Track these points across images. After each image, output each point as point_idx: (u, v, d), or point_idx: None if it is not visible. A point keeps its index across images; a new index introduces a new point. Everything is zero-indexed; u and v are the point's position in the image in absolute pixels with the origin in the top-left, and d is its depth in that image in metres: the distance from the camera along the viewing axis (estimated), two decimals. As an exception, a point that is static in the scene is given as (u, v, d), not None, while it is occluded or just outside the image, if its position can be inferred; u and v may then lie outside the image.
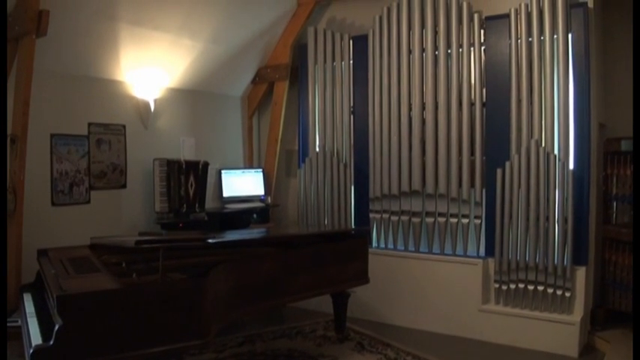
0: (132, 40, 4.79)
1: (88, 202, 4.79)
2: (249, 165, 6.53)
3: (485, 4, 4.97)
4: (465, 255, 5.02)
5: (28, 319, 2.93)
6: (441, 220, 5.10)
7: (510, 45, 4.72)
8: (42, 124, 4.37)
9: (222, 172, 6.02)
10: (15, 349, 3.24)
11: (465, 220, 4.99)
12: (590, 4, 4.52)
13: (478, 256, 4.97)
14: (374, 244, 5.48)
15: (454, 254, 5.06)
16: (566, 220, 4.47)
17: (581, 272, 4.52)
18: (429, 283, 5.15)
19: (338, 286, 4.30)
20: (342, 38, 5.69)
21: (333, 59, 5.73)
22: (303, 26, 5.96)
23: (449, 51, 5.01)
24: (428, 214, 5.18)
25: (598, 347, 4.58)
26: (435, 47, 5.07)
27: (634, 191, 4.42)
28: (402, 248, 5.35)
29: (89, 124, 4.80)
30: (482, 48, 4.91)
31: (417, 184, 5.18)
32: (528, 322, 4.63)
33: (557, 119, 4.52)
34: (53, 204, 4.52)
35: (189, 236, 4.28)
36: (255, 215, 6.02)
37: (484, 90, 4.91)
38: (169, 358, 2.88)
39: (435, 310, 5.11)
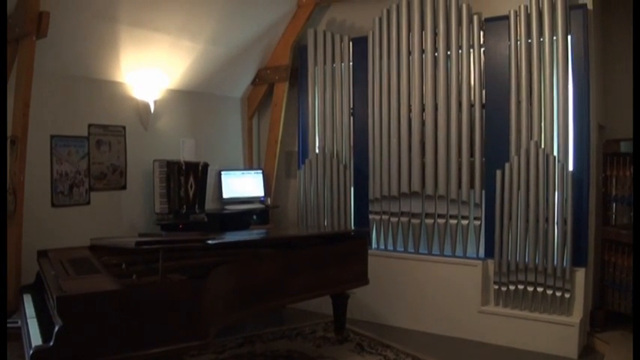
0: (132, 41, 4.79)
1: (88, 203, 4.80)
2: (248, 166, 6.53)
3: (485, 5, 4.98)
4: (465, 256, 5.02)
5: (28, 320, 2.93)
6: (441, 221, 5.10)
7: (510, 47, 4.72)
8: (42, 126, 4.37)
9: (222, 173, 6.03)
10: (15, 350, 3.24)
11: (464, 222, 5.00)
12: (590, 6, 4.52)
13: (478, 258, 4.97)
14: (373, 245, 5.49)
15: (454, 255, 5.06)
16: (565, 222, 4.47)
17: (580, 274, 4.53)
18: (429, 285, 5.15)
19: (338, 287, 4.31)
20: (341, 40, 5.69)
21: (333, 61, 5.74)
22: (303, 28, 5.97)
23: (448, 52, 5.01)
24: (427, 215, 5.18)
25: (597, 348, 4.58)
26: (435, 49, 5.08)
27: (634, 192, 4.43)
28: (402, 249, 5.35)
29: (89, 126, 4.80)
30: (482, 50, 4.92)
31: (416, 186, 5.18)
32: (528, 323, 4.64)
33: (557, 121, 4.52)
34: (53, 205, 4.53)
35: (189, 237, 4.28)
36: (254, 216, 6.02)
37: (483, 91, 4.91)
38: (169, 359, 2.88)
39: (435, 312, 5.11)
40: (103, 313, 2.61)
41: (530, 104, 4.63)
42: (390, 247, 5.43)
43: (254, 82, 6.38)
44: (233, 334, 4.81)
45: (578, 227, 4.49)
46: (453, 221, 5.04)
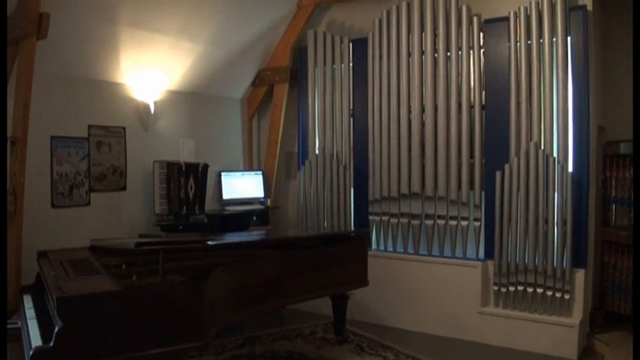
0: (132, 42, 4.80)
1: (88, 204, 4.80)
2: (248, 167, 6.54)
3: (485, 7, 4.98)
4: (465, 257, 5.02)
5: (28, 321, 2.93)
6: (441, 222, 5.10)
7: (510, 48, 4.73)
8: (42, 127, 4.37)
9: (222, 174, 6.03)
10: (15, 351, 3.24)
11: (464, 223, 5.00)
12: (590, 7, 4.53)
13: (477, 259, 4.98)
14: (373, 246, 5.49)
15: (453, 257, 5.07)
16: (565, 223, 4.48)
17: (580, 275, 4.53)
18: (429, 286, 5.15)
19: (337, 288, 4.31)
20: (341, 41, 5.70)
21: (333, 62, 5.74)
22: (303, 29, 5.98)
23: (448, 54, 5.02)
24: (427, 216, 5.18)
25: (597, 350, 4.58)
26: (435, 50, 5.08)
27: (634, 194, 4.44)
28: (402, 251, 5.35)
29: (89, 127, 4.81)
30: (482, 51, 4.92)
31: (416, 187, 5.19)
32: (527, 324, 4.64)
33: (557, 122, 4.53)
34: (53, 206, 4.53)
35: (189, 238, 4.29)
36: (254, 217, 6.02)
37: (483, 93, 4.92)
38: (169, 360, 2.88)
39: (435, 313, 5.11)
40: (103, 314, 2.61)
41: (530, 105, 4.64)
42: (390, 248, 5.43)
43: (254, 84, 6.38)
44: (233, 335, 4.81)
45: (578, 228, 4.50)
46: (453, 222, 5.04)
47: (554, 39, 4.53)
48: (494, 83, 4.85)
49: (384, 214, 5.42)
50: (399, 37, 5.25)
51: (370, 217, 5.52)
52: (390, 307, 5.35)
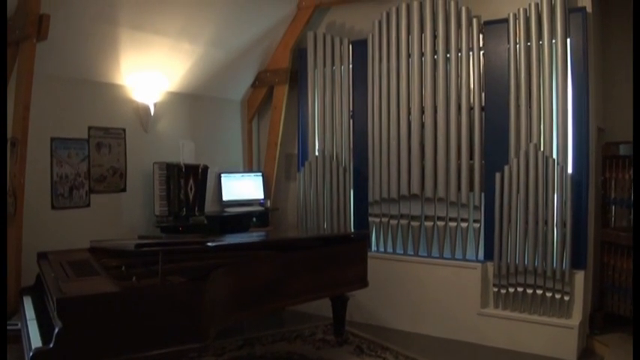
0: (132, 44, 4.80)
1: (88, 205, 4.80)
2: (248, 169, 6.54)
3: (484, 8, 4.99)
4: (464, 259, 5.02)
5: (28, 322, 2.93)
6: (440, 223, 5.11)
7: (509, 49, 4.74)
8: (42, 128, 4.37)
9: (222, 175, 6.03)
10: (15, 352, 3.24)
11: (464, 224, 5.00)
12: (589, 9, 4.53)
13: (477, 260, 4.98)
14: (373, 247, 5.49)
15: (453, 258, 5.07)
16: (564, 224, 4.48)
17: (579, 276, 4.53)
18: (428, 287, 5.15)
19: (337, 289, 4.30)
20: (341, 42, 5.70)
21: (333, 63, 5.75)
22: (302, 30, 5.98)
23: (448, 55, 5.03)
24: (427, 217, 5.19)
25: (597, 351, 4.59)
26: (434, 51, 5.09)
27: (634, 195, 4.44)
28: (401, 252, 5.35)
29: (89, 128, 4.81)
30: (481, 52, 4.93)
31: (416, 188, 5.19)
32: (527, 325, 4.64)
33: (556, 123, 4.53)
34: (53, 207, 4.53)
35: (189, 240, 4.29)
36: (254, 219, 6.02)
37: (483, 94, 4.93)
38: (169, 361, 2.88)
39: (434, 314, 5.11)
40: (102, 315, 2.61)
41: (530, 107, 4.64)
42: (390, 250, 5.43)
43: (254, 85, 6.39)
44: (233, 337, 4.81)
45: (578, 230, 4.50)
46: (453, 224, 5.05)
47: (554, 41, 4.53)
48: (494, 85, 4.86)
49: (384, 215, 5.42)
50: (398, 38, 5.26)
51: (370, 219, 5.53)
52: (389, 308, 5.35)
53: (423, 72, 5.14)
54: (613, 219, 4.95)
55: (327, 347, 4.73)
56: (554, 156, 4.53)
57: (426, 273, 5.17)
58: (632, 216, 4.69)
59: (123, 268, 3.45)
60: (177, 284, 3.13)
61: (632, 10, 3.98)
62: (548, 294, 4.57)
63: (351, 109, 5.70)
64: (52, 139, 4.52)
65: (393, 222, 5.37)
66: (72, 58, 4.51)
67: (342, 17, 5.97)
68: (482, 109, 4.93)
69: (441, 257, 5.14)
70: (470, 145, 4.96)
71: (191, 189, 5.31)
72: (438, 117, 5.06)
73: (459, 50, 4.97)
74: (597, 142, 4.92)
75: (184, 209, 5.26)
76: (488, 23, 4.90)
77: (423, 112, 5.16)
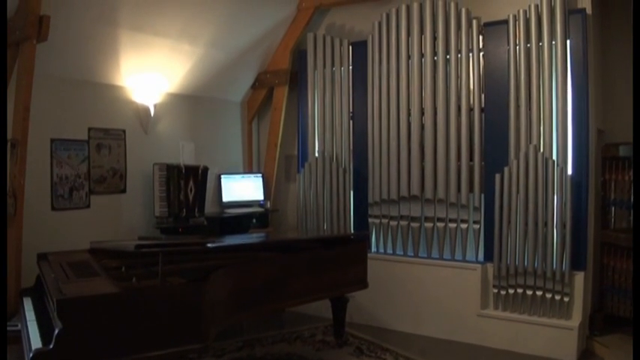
0: (132, 45, 4.81)
1: (88, 206, 4.80)
2: (248, 170, 6.54)
3: (484, 10, 4.99)
4: (464, 260, 5.02)
5: (28, 323, 2.93)
6: (440, 225, 5.11)
7: (509, 51, 4.74)
8: (42, 129, 4.38)
9: (222, 176, 6.04)
10: (15, 353, 3.24)
11: (463, 225, 5.00)
12: (589, 11, 4.54)
13: (477, 261, 4.98)
14: (373, 248, 5.49)
15: (453, 259, 5.07)
16: (564, 225, 4.48)
17: (579, 277, 4.53)
18: (428, 288, 5.15)
19: (337, 290, 4.30)
20: (341, 44, 5.71)
21: (333, 65, 5.75)
22: (302, 32, 5.99)
23: (448, 57, 5.03)
24: (427, 219, 5.19)
25: (596, 352, 4.59)
26: (434, 53, 5.09)
27: (634, 196, 4.44)
28: (401, 253, 5.35)
29: (89, 129, 4.81)
30: (481, 54, 4.93)
31: (415, 189, 5.19)
32: (527, 327, 4.64)
33: (556, 125, 4.53)
34: (53, 208, 4.53)
35: (189, 241, 4.29)
36: (254, 220, 6.02)
37: (483, 95, 4.93)
38: (168, 362, 2.88)
39: (434, 315, 5.11)
40: (102, 316, 2.61)
41: (530, 108, 4.65)
42: (390, 251, 5.43)
43: (254, 86, 6.39)
44: (232, 338, 4.81)
45: (577, 231, 4.50)
46: (453, 225, 5.05)
47: (554, 42, 4.54)
48: (494, 86, 4.86)
49: (384, 216, 5.42)
50: (398, 40, 5.26)
51: (370, 220, 5.53)
52: (389, 309, 5.35)
53: (423, 73, 5.14)
54: (613, 220, 4.95)
55: (326, 348, 4.73)
56: (554, 157, 4.53)
57: (425, 274, 5.17)
58: (631, 217, 4.69)
59: (123, 269, 3.45)
60: (177, 285, 3.13)
61: (631, 11, 3.98)
62: (548, 295, 4.57)
63: (350, 110, 5.71)
64: (52, 140, 4.52)
65: (393, 223, 5.37)
66: (72, 59, 4.52)
67: (342, 18, 5.98)
68: (482, 110, 4.93)
69: (441, 258, 5.13)
70: (470, 146, 4.96)
71: (191, 190, 5.32)
72: (438, 118, 5.06)
73: (459, 51, 4.97)
74: (597, 144, 4.92)
75: (184, 210, 5.26)
76: (488, 25, 4.90)
77: (422, 113, 5.17)
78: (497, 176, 4.75)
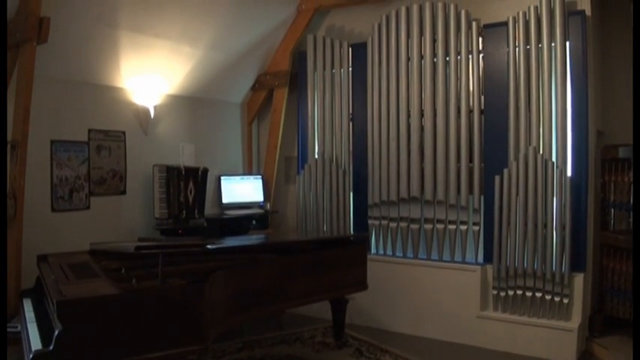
0: (132, 47, 4.81)
1: (88, 208, 4.80)
2: (248, 171, 6.55)
3: (484, 12, 5.00)
4: (464, 262, 5.02)
5: (28, 325, 2.93)
6: (440, 226, 5.11)
7: (509, 53, 4.75)
8: (42, 131, 4.39)
9: (222, 178, 6.04)
10: (15, 355, 3.25)
11: (463, 227, 5.00)
12: (588, 12, 4.54)
13: (476, 263, 4.98)
14: (373, 250, 5.50)
15: (452, 261, 5.07)
16: (564, 227, 4.48)
17: (579, 279, 4.53)
18: (428, 290, 5.15)
19: (337, 292, 4.30)
20: (341, 46, 5.72)
21: (333, 66, 5.76)
22: (302, 33, 5.99)
23: (447, 58, 5.04)
24: (426, 220, 5.19)
25: (596, 354, 4.58)
26: (434, 55, 5.10)
27: (633, 198, 4.44)
28: (401, 255, 5.36)
29: (89, 131, 4.82)
30: (481, 55, 4.94)
31: (415, 191, 5.19)
32: (526, 328, 4.64)
33: (555, 126, 4.54)
34: (53, 210, 4.54)
35: (189, 242, 4.29)
36: (254, 221, 6.02)
37: (482, 97, 4.93)
38: (168, 364, 2.88)
39: (434, 317, 5.11)
40: (102, 317, 2.61)
41: (529, 110, 4.65)
42: (389, 253, 5.43)
43: (254, 88, 6.40)
44: (232, 339, 4.81)
45: (577, 232, 4.51)
46: (452, 226, 5.05)
47: (553, 44, 4.54)
48: (493, 88, 4.86)
49: (384, 218, 5.42)
50: (398, 41, 5.27)
51: (369, 222, 5.53)
52: (389, 311, 5.35)
53: (423, 75, 5.15)
54: (612, 222, 4.94)
55: (326, 350, 4.73)
56: (554, 159, 4.53)
57: (425, 276, 5.17)
58: (631, 219, 4.69)
59: (123, 270, 3.45)
60: (177, 287, 3.13)
61: (631, 12, 3.99)
62: (548, 297, 4.57)
63: (350, 112, 5.71)
64: (52, 142, 4.53)
65: (393, 225, 5.37)
66: (72, 60, 4.52)
67: (342, 20, 5.98)
68: (481, 112, 4.94)
69: (441, 260, 5.14)
70: (469, 148, 4.97)
71: (191, 191, 5.32)
72: (438, 120, 5.07)
73: (459, 53, 4.98)
74: (596, 145, 4.92)
75: (184, 212, 5.27)
76: (487, 26, 4.91)
77: (422, 114, 5.17)
78: (497, 178, 4.75)
